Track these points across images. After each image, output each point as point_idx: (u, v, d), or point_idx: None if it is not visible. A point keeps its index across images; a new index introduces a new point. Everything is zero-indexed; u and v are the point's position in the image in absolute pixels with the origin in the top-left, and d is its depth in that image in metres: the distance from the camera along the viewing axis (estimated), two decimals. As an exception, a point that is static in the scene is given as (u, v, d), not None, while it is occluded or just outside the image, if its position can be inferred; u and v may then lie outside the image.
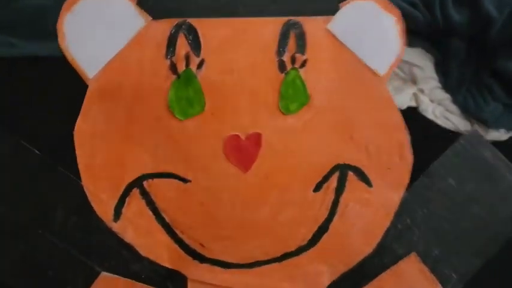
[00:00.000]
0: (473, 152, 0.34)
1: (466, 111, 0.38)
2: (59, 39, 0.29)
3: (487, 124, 0.37)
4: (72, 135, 0.30)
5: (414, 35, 0.35)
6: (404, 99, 0.38)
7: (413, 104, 0.39)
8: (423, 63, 0.38)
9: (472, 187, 0.33)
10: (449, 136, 0.38)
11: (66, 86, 0.33)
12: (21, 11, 0.36)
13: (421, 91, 0.39)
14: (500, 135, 0.37)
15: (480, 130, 0.38)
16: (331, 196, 0.32)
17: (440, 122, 0.38)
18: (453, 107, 0.38)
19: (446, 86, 0.38)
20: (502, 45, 0.35)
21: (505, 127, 0.37)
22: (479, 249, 0.33)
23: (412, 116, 0.34)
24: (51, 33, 0.35)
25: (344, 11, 0.32)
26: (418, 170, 0.33)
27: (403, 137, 0.32)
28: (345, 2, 0.32)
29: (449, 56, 0.37)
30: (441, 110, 0.38)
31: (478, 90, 0.37)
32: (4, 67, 0.34)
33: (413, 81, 0.39)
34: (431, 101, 0.38)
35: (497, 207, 0.33)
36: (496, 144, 0.36)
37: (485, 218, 0.33)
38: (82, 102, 0.30)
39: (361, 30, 0.32)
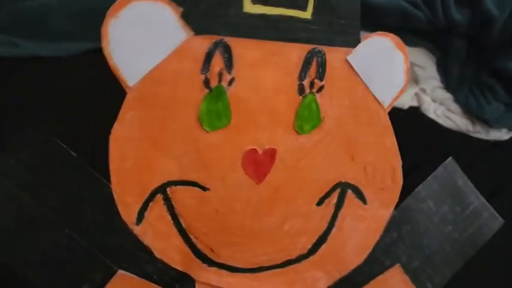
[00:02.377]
0: (448, 179, 0.39)
1: (468, 111, 0.39)
2: (103, 44, 0.28)
3: (489, 124, 0.38)
4: (72, 135, 0.30)
5: (416, 35, 0.36)
6: (406, 99, 0.40)
7: (415, 103, 0.40)
8: (425, 63, 0.40)
9: (446, 209, 0.38)
10: (451, 136, 0.40)
11: (66, 86, 0.33)
12: (24, 11, 0.35)
13: (423, 91, 0.40)
14: (502, 134, 0.39)
15: (482, 129, 0.39)
16: (331, 210, 0.35)
17: (442, 121, 0.40)
18: (455, 107, 0.40)
19: (447, 85, 0.39)
20: (503, 45, 0.36)
21: (507, 127, 0.39)
22: (450, 263, 0.38)
23: (414, 116, 0.36)
24: (54, 34, 0.35)
25: (364, 44, 0.34)
26: (418, 170, 0.36)
27: (396, 162, 0.36)
28: (366, 35, 0.34)
29: (451, 56, 0.38)
30: (443, 110, 0.40)
31: (480, 90, 0.39)
32: (4, 67, 0.34)
33: (415, 81, 0.40)
34: (433, 100, 0.40)
35: (465, 228, 0.39)
36: (497, 144, 0.39)
37: (455, 237, 0.38)
38: (82, 103, 0.30)
39: (375, 64, 0.35)
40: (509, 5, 0.35)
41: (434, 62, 0.39)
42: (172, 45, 0.30)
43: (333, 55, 0.34)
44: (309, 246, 0.35)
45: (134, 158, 0.30)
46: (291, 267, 0.35)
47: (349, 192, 0.36)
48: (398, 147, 0.36)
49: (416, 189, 0.38)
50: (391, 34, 0.35)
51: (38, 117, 0.33)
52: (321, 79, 0.34)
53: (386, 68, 0.36)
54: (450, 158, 0.39)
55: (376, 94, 0.35)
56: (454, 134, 0.39)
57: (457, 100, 0.39)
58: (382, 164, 0.36)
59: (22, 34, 0.35)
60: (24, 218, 0.30)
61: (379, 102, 0.36)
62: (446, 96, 0.39)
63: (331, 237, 0.35)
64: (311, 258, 0.35)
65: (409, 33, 0.36)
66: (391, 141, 0.36)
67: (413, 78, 0.39)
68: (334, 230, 0.35)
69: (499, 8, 0.35)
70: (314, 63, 0.33)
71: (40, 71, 0.34)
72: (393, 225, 0.37)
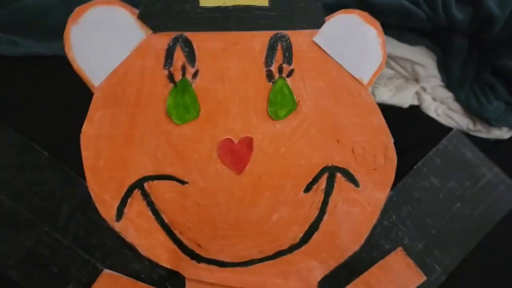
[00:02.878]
0: (454, 152, 0.36)
1: (468, 110, 0.39)
2: (66, 49, 0.31)
3: (490, 122, 0.38)
4: (72, 135, 0.32)
5: (417, 33, 0.36)
6: (407, 98, 0.39)
7: (415, 102, 0.40)
8: (426, 61, 0.39)
9: (454, 185, 0.36)
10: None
11: (66, 85, 0.34)
12: (25, 10, 0.37)
13: (424, 89, 0.40)
14: (503, 133, 0.38)
15: (483, 128, 0.39)
16: (320, 196, 0.34)
17: (443, 120, 0.39)
18: (455, 105, 0.39)
19: (448, 84, 0.39)
20: (504, 44, 0.36)
21: (508, 125, 0.38)
22: (461, 242, 0.35)
23: (414, 115, 0.35)
24: (54, 33, 0.36)
25: (329, 24, 0.34)
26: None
27: (386, 139, 0.34)
28: (330, 16, 0.34)
29: (452, 55, 0.38)
30: (443, 108, 0.39)
31: (481, 89, 0.38)
32: (5, 66, 0.35)
33: (416, 79, 0.40)
34: (434, 99, 0.40)
35: (478, 203, 0.36)
36: (498, 142, 0.38)
37: (466, 213, 0.35)
38: (82, 102, 0.32)
39: (344, 42, 0.34)
40: (510, 3, 0.35)
41: (435, 60, 0.39)
42: (131, 45, 0.32)
43: (299, 38, 0.34)
44: (301, 235, 0.34)
45: (108, 155, 0.32)
46: (283, 258, 0.34)
47: (339, 176, 0.34)
48: (399, 146, 0.34)
49: (415, 167, 0.36)
50: (357, 10, 0.35)
51: (38, 117, 0.35)
52: (289, 63, 0.34)
53: (358, 45, 0.35)
54: (456, 129, 0.37)
55: (353, 72, 0.35)
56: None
57: (457, 99, 0.39)
58: (372, 143, 0.35)
59: (22, 33, 0.36)
60: (4, 219, 0.31)
61: (357, 80, 0.35)
62: (447, 95, 0.39)
63: (324, 225, 0.34)
64: (304, 247, 0.34)
65: (410, 31, 0.37)
66: (377, 118, 0.35)
67: (414, 77, 0.39)
68: (326, 216, 0.34)
69: (500, 6, 0.34)
70: (279, 48, 0.34)
71: (40, 70, 0.36)
72: (391, 206, 0.35)
